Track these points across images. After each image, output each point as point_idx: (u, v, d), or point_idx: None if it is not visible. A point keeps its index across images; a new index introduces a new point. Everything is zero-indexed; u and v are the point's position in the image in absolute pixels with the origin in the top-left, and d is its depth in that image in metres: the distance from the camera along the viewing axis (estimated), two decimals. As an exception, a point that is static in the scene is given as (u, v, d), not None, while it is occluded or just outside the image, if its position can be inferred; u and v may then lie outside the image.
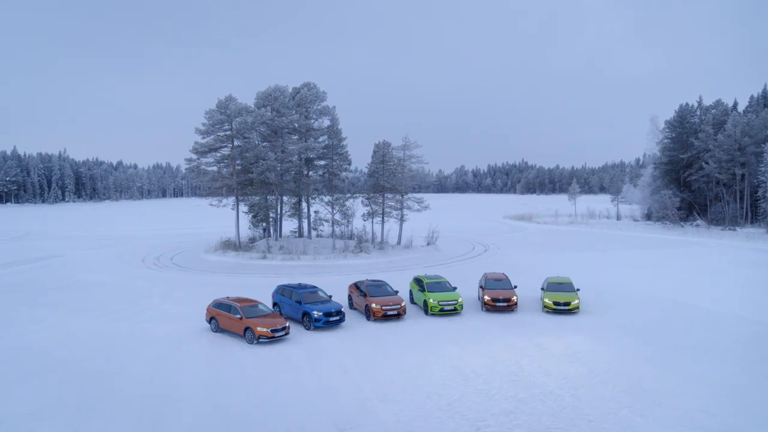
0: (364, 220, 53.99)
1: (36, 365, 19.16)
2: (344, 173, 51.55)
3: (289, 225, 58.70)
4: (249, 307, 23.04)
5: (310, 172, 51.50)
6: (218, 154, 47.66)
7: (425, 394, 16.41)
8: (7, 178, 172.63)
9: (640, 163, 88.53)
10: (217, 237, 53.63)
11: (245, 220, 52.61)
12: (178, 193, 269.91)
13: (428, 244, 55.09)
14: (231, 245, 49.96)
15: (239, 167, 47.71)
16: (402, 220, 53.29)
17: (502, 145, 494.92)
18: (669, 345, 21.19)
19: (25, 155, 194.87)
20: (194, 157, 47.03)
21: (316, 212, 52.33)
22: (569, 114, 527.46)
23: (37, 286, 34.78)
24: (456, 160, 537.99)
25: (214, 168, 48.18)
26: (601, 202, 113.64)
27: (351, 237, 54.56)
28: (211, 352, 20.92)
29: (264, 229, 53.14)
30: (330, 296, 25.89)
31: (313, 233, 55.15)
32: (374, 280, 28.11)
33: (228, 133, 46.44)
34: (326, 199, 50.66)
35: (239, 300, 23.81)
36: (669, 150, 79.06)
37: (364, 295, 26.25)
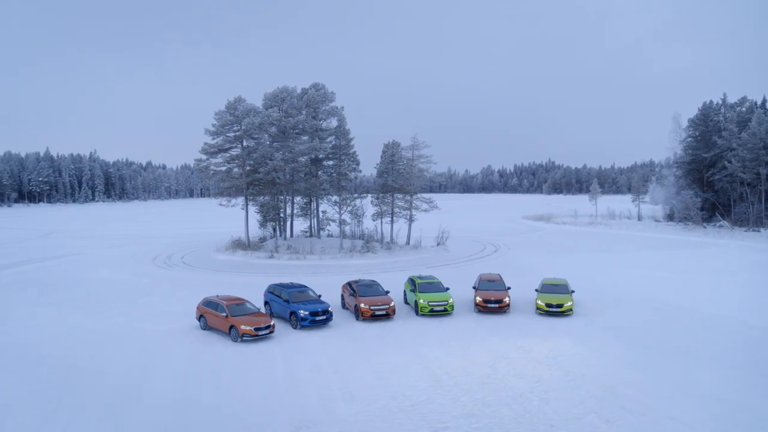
0: (374, 220, 54.11)
1: (22, 359, 19.79)
2: (352, 173, 51.64)
3: (302, 225, 59.15)
4: (235, 305, 23.30)
5: (319, 173, 51.76)
6: (227, 155, 48.31)
7: (391, 394, 16.35)
8: (40, 179, 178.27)
9: (671, 162, 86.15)
10: (231, 237, 54.30)
11: (257, 219, 53.21)
12: (205, 193, 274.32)
13: (438, 244, 54.81)
14: (241, 245, 50.59)
15: (248, 168, 48.29)
16: (411, 220, 53.12)
17: (528, 144, 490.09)
18: (657, 349, 20.63)
19: (58, 156, 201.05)
20: (203, 157, 47.79)
21: (323, 212, 52.61)
22: (598, 113, 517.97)
23: (46, 283, 35.85)
24: (483, 160, 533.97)
25: (223, 168, 48.84)
26: (624, 202, 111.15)
27: (362, 237, 54.71)
28: (194, 348, 21.25)
29: (274, 229, 53.65)
30: (320, 295, 26.00)
31: (324, 233, 55.53)
32: (366, 280, 28.11)
33: (237, 134, 47.03)
34: (334, 199, 50.86)
35: (227, 298, 24.10)
36: (692, 149, 76.87)
37: (354, 295, 26.29)
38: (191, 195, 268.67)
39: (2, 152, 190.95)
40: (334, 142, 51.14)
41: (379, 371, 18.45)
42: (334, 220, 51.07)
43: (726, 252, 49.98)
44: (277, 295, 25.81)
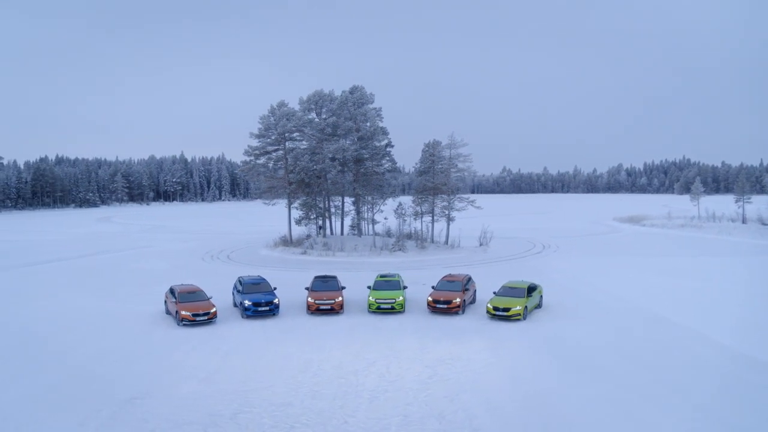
0: (415, 220, 54.50)
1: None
2: (389, 174, 52.51)
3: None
4: (187, 293, 25.66)
5: (351, 173, 53.31)
6: (269, 156, 51.71)
7: (243, 379, 17.43)
8: (174, 179, 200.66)
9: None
10: (279, 234, 57.73)
11: (294, 218, 56.09)
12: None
13: (480, 244, 53.69)
14: (285, 241, 53.80)
15: (289, 169, 51.27)
16: (449, 219, 52.70)
17: (662, 141, 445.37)
18: (574, 366, 18.46)
19: (192, 159, 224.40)
20: (248, 159, 51.60)
21: (358, 212, 54.07)
22: (746, 105, 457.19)
23: (96, 270, 41.63)
24: (612, 158, 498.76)
25: (266, 169, 52.34)
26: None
27: (409, 236, 55.32)
28: (139, 329, 24.00)
29: (319, 227, 56.19)
30: (275, 288, 27.48)
31: (369, 232, 57.02)
32: (324, 275, 29.15)
33: (275, 137, 50.18)
34: (368, 198, 52.12)
35: (184, 287, 26.57)
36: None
37: (308, 289, 27.50)
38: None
39: (147, 156, 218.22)
40: (371, 143, 52.31)
41: (262, 358, 19.58)
42: (364, 219, 52.27)
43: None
44: (240, 284, 27.80)
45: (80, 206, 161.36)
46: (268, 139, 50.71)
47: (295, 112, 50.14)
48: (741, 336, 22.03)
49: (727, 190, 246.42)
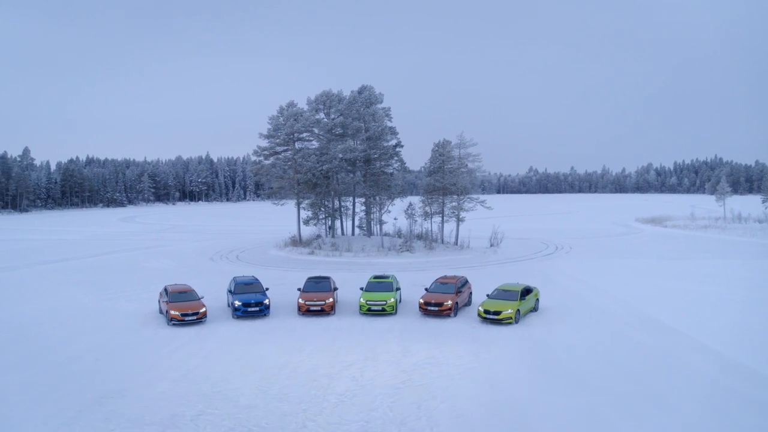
0: (424, 220, 54.06)
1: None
2: (398, 173, 52.19)
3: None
4: (178, 293, 25.84)
5: (360, 173, 53.14)
6: (278, 157, 51.91)
7: (215, 381, 17.41)
8: (200, 180, 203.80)
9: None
10: (289, 233, 57.88)
11: (302, 218, 56.15)
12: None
13: (491, 245, 52.95)
14: (294, 241, 53.93)
15: (297, 169, 51.41)
16: (459, 220, 52.10)
17: (693, 140, 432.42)
18: (560, 375, 17.64)
19: (218, 159, 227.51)
20: (256, 159, 51.89)
21: (367, 212, 53.88)
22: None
23: (103, 269, 42.39)
24: (642, 158, 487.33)
25: (275, 169, 52.55)
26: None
27: (419, 237, 54.94)
28: (131, 327, 24.29)
29: (328, 227, 56.21)
30: (267, 289, 27.48)
31: (380, 232, 56.79)
32: (317, 277, 29.05)
33: (283, 137, 50.35)
34: (376, 198, 51.88)
35: (177, 287, 26.76)
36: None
37: (300, 290, 27.43)
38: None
39: (174, 156, 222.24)
40: (380, 143, 52.08)
41: (240, 359, 19.58)
42: (373, 219, 52.06)
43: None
44: (232, 286, 27.87)
45: (107, 206, 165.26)
46: (277, 140, 50.93)
47: (303, 112, 50.22)
48: (738, 343, 21.00)
49: (760, 190, 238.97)
